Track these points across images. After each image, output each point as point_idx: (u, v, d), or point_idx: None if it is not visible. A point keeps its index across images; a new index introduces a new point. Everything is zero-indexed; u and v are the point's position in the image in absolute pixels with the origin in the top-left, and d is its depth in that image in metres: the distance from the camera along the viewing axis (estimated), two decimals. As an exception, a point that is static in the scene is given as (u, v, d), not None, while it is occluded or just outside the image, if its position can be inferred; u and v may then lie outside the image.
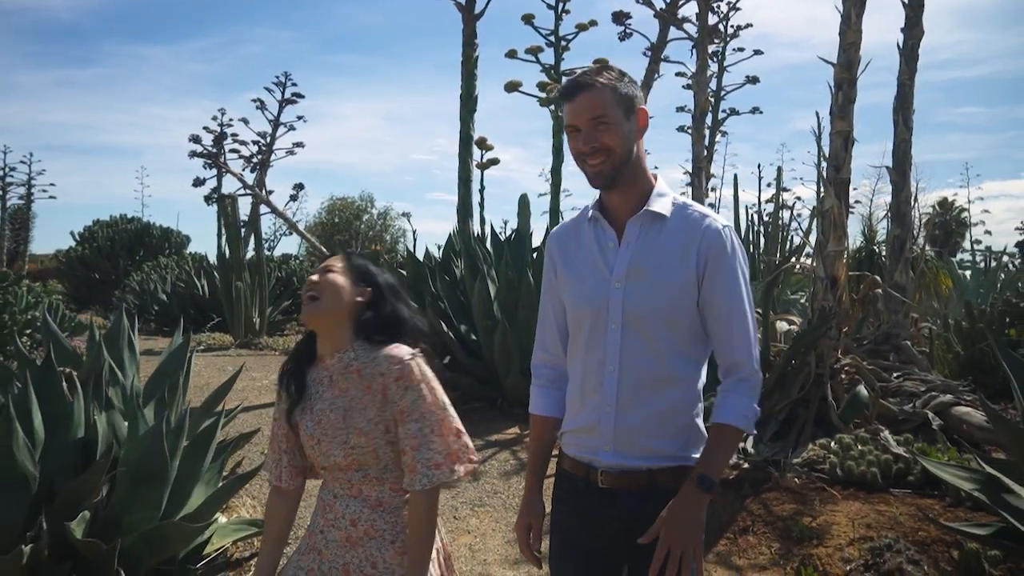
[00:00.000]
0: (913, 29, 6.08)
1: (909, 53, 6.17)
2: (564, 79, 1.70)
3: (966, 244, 26.70)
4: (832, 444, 4.23)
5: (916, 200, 6.33)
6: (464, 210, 8.84)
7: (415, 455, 1.72)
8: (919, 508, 3.55)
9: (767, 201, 18.40)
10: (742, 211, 15.05)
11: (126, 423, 3.47)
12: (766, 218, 16.36)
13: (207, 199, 11.65)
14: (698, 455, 1.67)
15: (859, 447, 4.14)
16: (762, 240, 14.05)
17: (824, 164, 5.19)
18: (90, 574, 2.91)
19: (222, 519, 3.78)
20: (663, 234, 1.67)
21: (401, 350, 1.77)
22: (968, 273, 12.68)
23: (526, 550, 1.85)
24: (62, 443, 3.08)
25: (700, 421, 1.71)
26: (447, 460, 1.73)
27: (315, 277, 1.81)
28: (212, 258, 16.44)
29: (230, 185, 12.69)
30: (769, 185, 21.34)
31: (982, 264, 15.43)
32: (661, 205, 1.68)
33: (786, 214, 16.14)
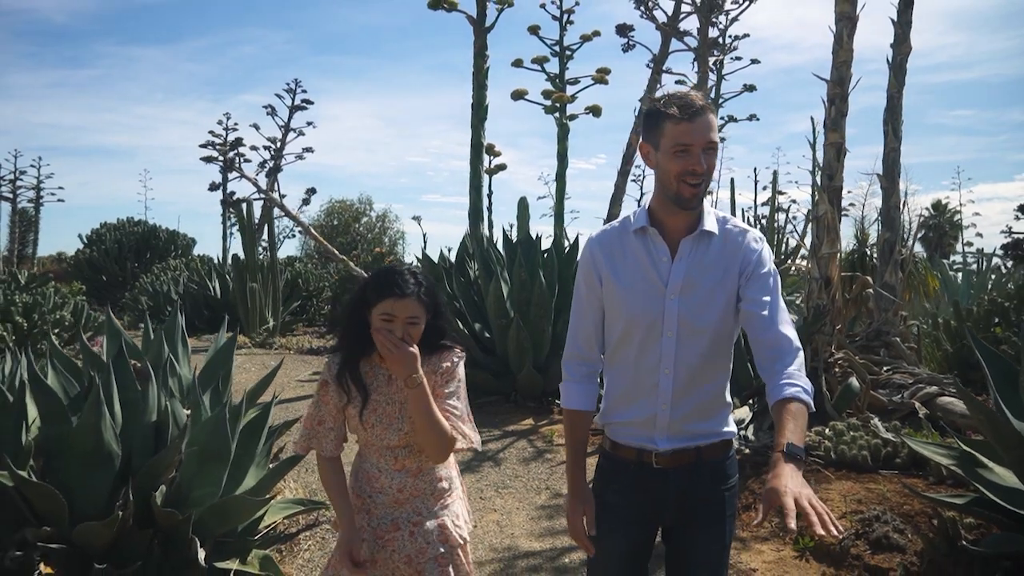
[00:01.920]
0: (901, 45, 6.47)
1: (898, 67, 6.56)
2: (656, 101, 1.81)
3: (959, 246, 27.17)
4: (826, 431, 4.61)
5: (906, 204, 6.72)
6: (476, 214, 9.22)
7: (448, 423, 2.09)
8: (905, 486, 3.92)
9: (763, 204, 18.84)
10: (739, 214, 15.47)
11: (187, 410, 3.83)
12: (763, 221, 16.77)
13: (223, 203, 11.98)
14: (729, 427, 1.91)
15: (851, 433, 4.52)
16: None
17: (818, 173, 5.57)
18: (167, 541, 3.28)
19: (277, 502, 4.15)
20: (711, 249, 1.83)
21: (453, 352, 2.11)
22: (960, 274, 13.10)
23: (581, 536, 1.93)
24: (139, 425, 3.44)
25: (728, 394, 1.93)
26: (464, 437, 2.08)
27: (400, 333, 1.97)
28: (218, 259, 16.80)
29: (241, 189, 13.05)
30: (765, 188, 21.79)
31: (974, 266, 15.84)
32: (711, 223, 1.84)
33: (782, 217, 16.57)
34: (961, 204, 27.55)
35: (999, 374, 3.33)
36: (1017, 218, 6.56)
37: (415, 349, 1.99)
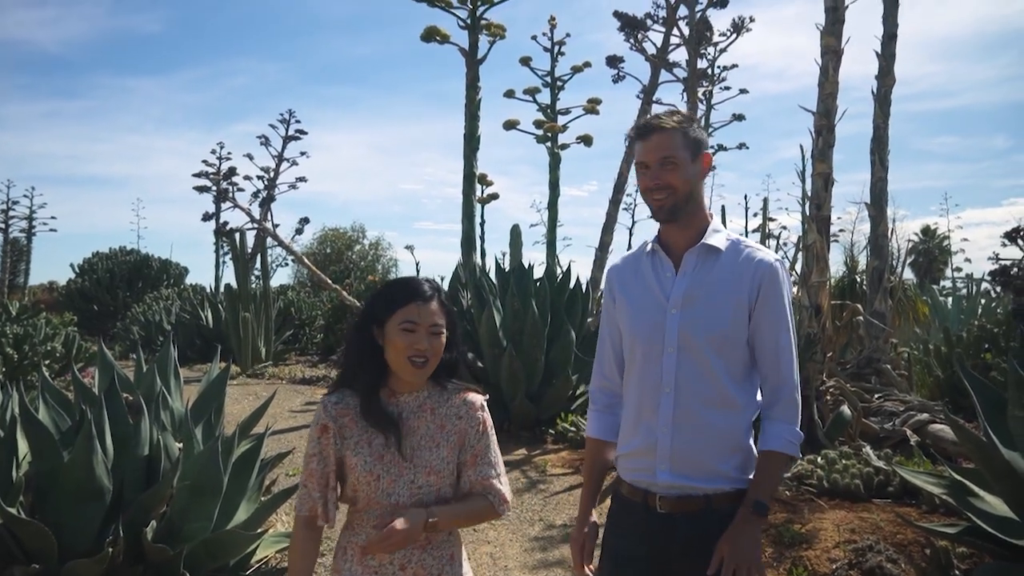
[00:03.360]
0: (886, 77, 6.60)
1: (883, 99, 6.68)
2: (636, 127, 1.90)
3: (949, 271, 27.38)
4: (819, 459, 4.62)
5: (894, 231, 6.80)
6: (468, 243, 9.27)
7: (483, 491, 1.79)
8: (898, 515, 3.92)
9: (754, 231, 18.98)
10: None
11: (179, 443, 3.82)
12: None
13: (216, 233, 12.02)
14: (748, 476, 1.80)
15: (843, 461, 4.52)
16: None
17: (807, 202, 5.64)
18: (158, 577, 3.25)
19: (269, 536, 4.12)
20: (718, 265, 1.80)
21: (476, 397, 1.83)
22: (950, 300, 13.19)
23: (579, 566, 1.92)
24: (130, 460, 3.42)
25: (753, 445, 1.82)
26: (504, 502, 1.82)
27: (424, 344, 1.73)
28: (210, 288, 16.78)
29: (234, 218, 13.11)
30: (756, 215, 21.97)
31: (964, 291, 15.95)
32: (716, 240, 1.83)
33: (772, 243, 16.68)
34: (949, 230, 27.82)
35: (987, 402, 3.36)
36: (1004, 244, 6.62)
37: (403, 523, 1.66)
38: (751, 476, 1.81)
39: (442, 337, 1.76)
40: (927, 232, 32.87)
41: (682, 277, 1.82)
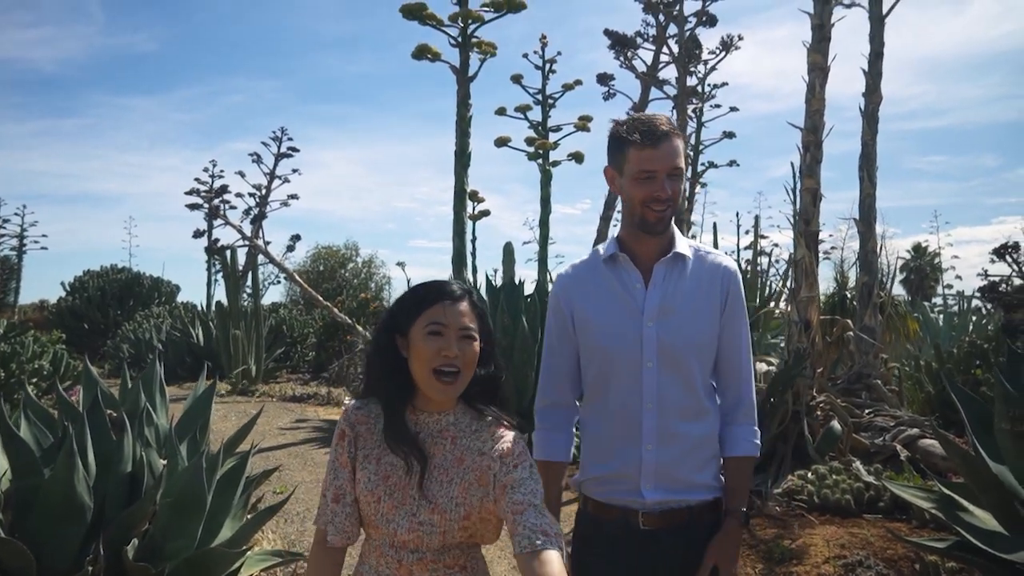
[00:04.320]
0: (873, 95, 6.66)
1: (870, 116, 6.73)
2: (635, 127, 1.70)
3: (940, 288, 27.51)
4: (809, 475, 4.60)
5: (883, 247, 6.82)
6: (459, 260, 9.26)
7: (522, 519, 1.40)
8: (888, 530, 3.91)
9: (746, 248, 19.06)
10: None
11: (162, 461, 3.78)
12: (746, 264, 16.97)
13: (207, 251, 12.00)
14: (720, 484, 1.80)
15: (834, 477, 4.51)
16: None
17: (796, 218, 5.66)
18: (139, 597, 3.20)
19: (253, 555, 4.07)
20: (686, 274, 1.76)
21: (508, 432, 1.54)
22: (941, 317, 13.25)
23: None
24: (113, 476, 3.38)
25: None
26: (556, 536, 1.39)
27: (453, 350, 1.48)
28: (202, 306, 16.70)
29: (226, 236, 13.11)
30: (747, 232, 22.08)
31: (954, 308, 16.01)
32: (683, 247, 1.77)
33: (764, 260, 16.75)
34: (940, 247, 28.00)
35: (975, 416, 3.36)
36: (993, 261, 6.65)
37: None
38: (722, 482, 1.82)
39: (475, 344, 1.51)
40: (918, 250, 33.07)
41: (654, 288, 1.75)
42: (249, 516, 3.93)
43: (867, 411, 5.66)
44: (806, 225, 5.36)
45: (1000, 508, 3.17)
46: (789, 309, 5.55)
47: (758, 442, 1.82)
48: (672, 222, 1.78)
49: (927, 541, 3.36)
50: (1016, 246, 7.20)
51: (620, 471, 1.75)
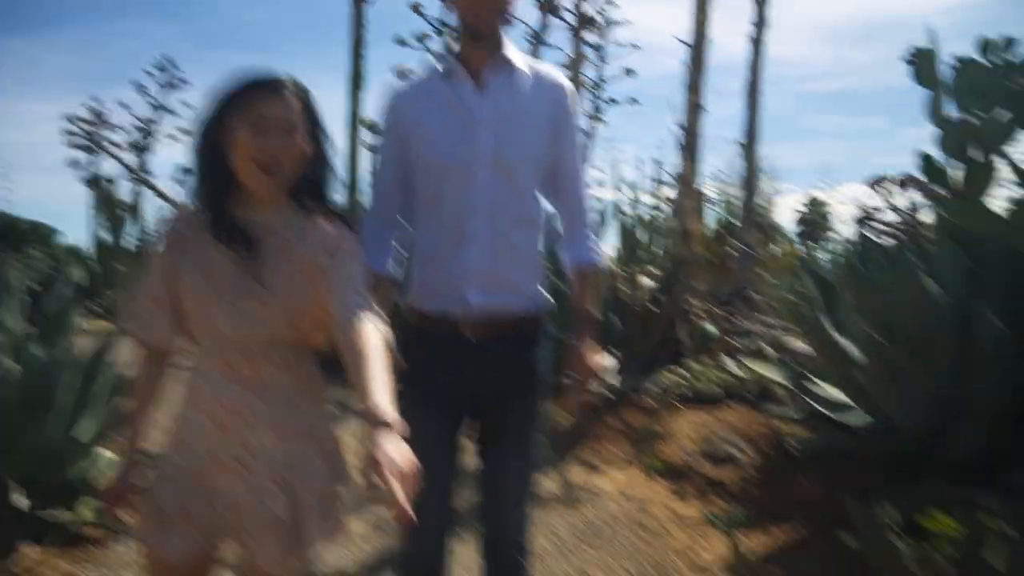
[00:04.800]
0: (761, 23, 6.76)
1: (757, 40, 6.87)
2: None
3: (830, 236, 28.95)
4: (682, 371, 4.78)
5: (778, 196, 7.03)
6: (354, 188, 8.99)
7: (344, 299, 1.41)
8: (752, 414, 4.11)
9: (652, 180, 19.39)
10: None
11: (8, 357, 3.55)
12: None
13: (88, 184, 11.29)
14: (543, 297, 1.83)
15: (706, 372, 4.69)
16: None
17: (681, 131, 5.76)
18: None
19: (113, 455, 3.91)
20: (521, 83, 1.76)
21: (335, 226, 1.52)
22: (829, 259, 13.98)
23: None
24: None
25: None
26: (379, 318, 1.41)
27: (275, 143, 1.44)
28: (89, 248, 15.75)
29: (110, 169, 12.34)
30: (651, 179, 22.45)
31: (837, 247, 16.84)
32: (514, 55, 1.76)
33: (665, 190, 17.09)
34: (830, 204, 29.38)
35: (825, 293, 3.55)
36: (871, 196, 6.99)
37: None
38: (545, 299, 1.85)
39: (297, 137, 1.46)
40: (813, 203, 34.71)
41: (486, 94, 1.73)
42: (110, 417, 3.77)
43: (742, 319, 5.90)
44: (686, 136, 5.48)
45: (843, 377, 3.37)
46: (673, 220, 5.68)
47: (599, 249, 1.92)
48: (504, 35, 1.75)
49: (779, 411, 3.56)
50: (886, 177, 7.63)
51: (448, 277, 1.74)
